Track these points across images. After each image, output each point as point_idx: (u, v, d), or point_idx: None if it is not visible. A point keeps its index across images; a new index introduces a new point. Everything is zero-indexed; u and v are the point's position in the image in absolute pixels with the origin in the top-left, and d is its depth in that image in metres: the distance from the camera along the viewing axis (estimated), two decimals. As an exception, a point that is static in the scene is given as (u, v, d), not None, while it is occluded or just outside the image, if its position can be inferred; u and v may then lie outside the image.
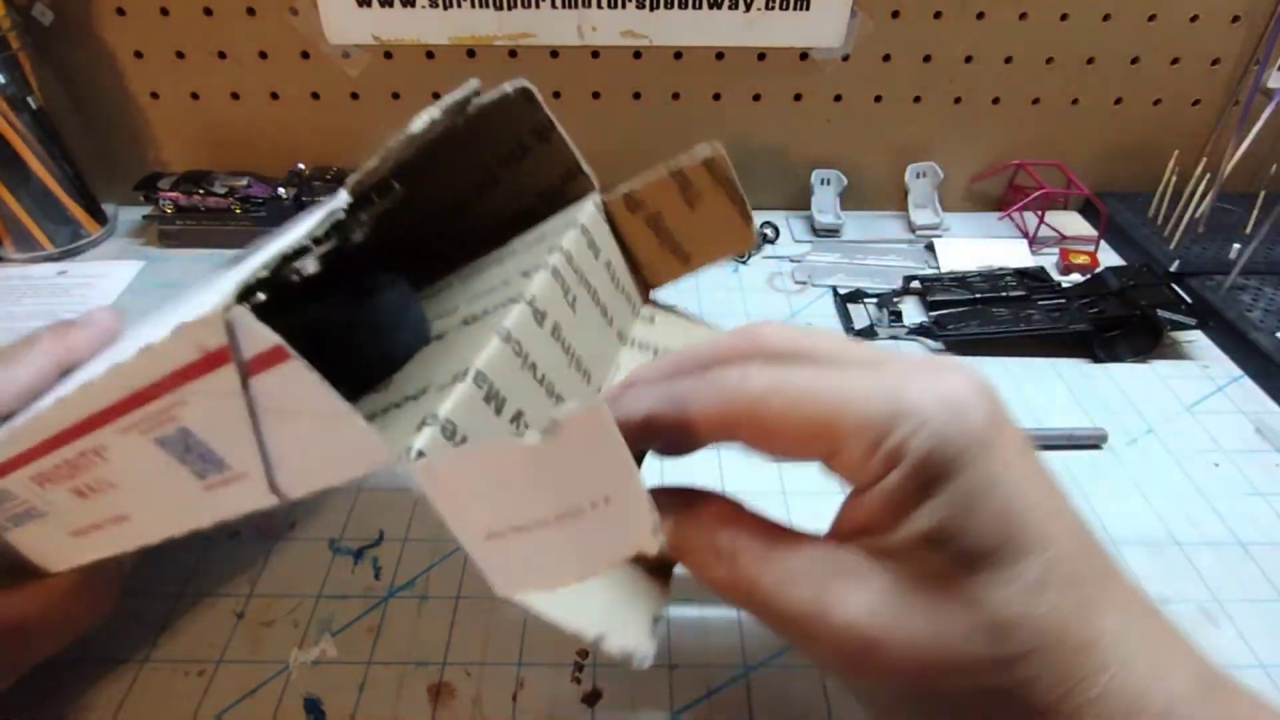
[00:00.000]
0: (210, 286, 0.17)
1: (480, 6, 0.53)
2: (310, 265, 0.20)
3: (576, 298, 0.25)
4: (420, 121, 0.20)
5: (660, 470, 0.29)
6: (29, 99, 0.52)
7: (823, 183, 0.61)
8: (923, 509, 0.17)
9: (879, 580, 0.18)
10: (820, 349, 0.20)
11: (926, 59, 0.57)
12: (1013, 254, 0.56)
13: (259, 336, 0.15)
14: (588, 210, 0.27)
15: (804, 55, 0.56)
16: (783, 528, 0.20)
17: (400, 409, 0.20)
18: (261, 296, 0.20)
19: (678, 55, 0.56)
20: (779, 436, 0.19)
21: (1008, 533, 0.17)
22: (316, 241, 0.20)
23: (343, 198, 0.19)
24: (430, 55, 0.55)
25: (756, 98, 0.58)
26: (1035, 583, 0.17)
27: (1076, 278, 0.54)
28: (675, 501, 0.21)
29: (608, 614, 0.19)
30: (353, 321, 0.23)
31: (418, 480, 0.16)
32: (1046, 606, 0.17)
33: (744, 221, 0.27)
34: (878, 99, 0.59)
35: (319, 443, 0.16)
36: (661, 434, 0.20)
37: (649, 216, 0.28)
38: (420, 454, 0.17)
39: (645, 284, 0.30)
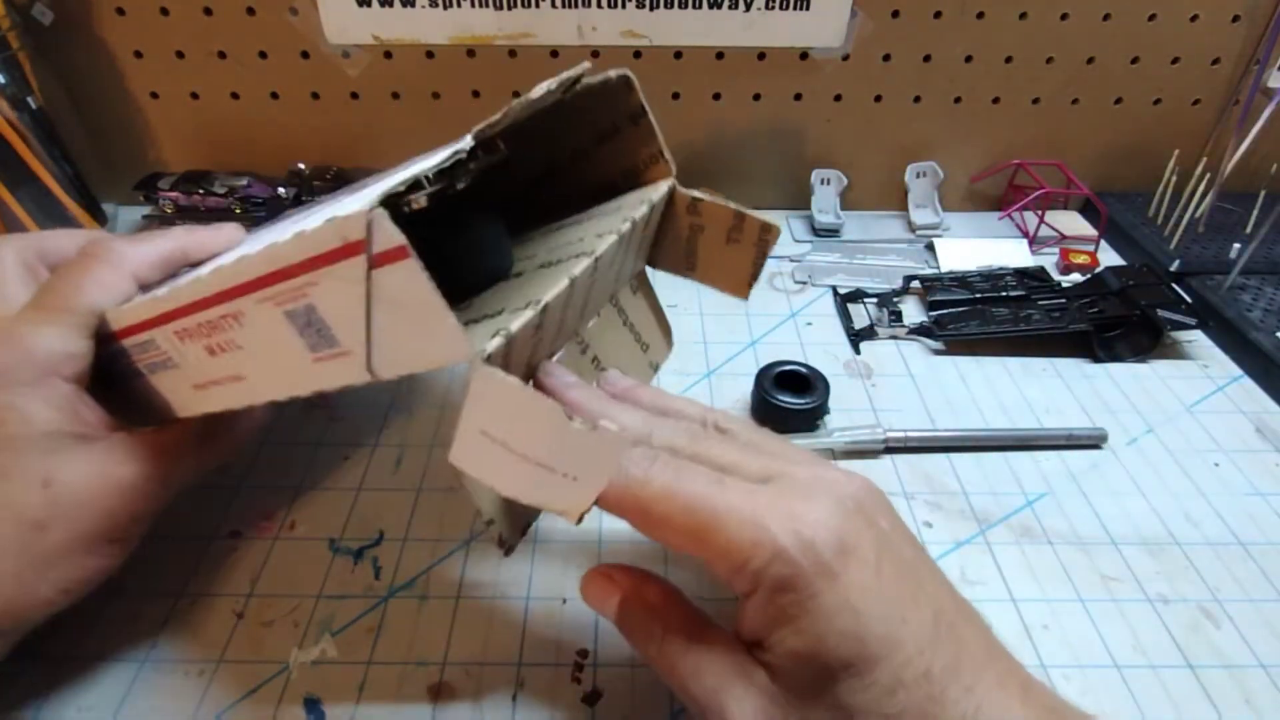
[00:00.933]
0: (353, 198, 0.21)
1: (480, 6, 0.53)
2: (421, 200, 0.24)
3: (615, 260, 0.29)
4: (539, 90, 0.24)
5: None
6: (29, 99, 0.52)
7: (823, 183, 0.61)
8: (787, 630, 0.21)
9: (766, 684, 0.22)
10: (718, 458, 0.24)
11: (926, 59, 0.57)
12: (1013, 254, 0.56)
13: (390, 235, 0.19)
14: (660, 191, 0.31)
15: (804, 55, 0.56)
16: (706, 620, 0.24)
17: (479, 323, 0.24)
18: None
19: (678, 55, 0.56)
20: (662, 535, 0.23)
21: (859, 648, 0.21)
22: (429, 181, 0.24)
23: (467, 140, 0.23)
24: (430, 55, 0.55)
25: (756, 98, 0.58)
26: (887, 686, 0.21)
27: (1076, 277, 0.54)
28: (628, 581, 0.26)
29: (501, 511, 0.25)
30: (456, 246, 0.28)
31: (476, 375, 0.20)
32: (899, 705, 0.21)
33: (748, 283, 0.33)
34: (878, 99, 0.59)
35: (416, 333, 0.20)
36: None
37: (695, 224, 0.32)
38: (488, 356, 0.21)
39: (648, 259, 0.35)
